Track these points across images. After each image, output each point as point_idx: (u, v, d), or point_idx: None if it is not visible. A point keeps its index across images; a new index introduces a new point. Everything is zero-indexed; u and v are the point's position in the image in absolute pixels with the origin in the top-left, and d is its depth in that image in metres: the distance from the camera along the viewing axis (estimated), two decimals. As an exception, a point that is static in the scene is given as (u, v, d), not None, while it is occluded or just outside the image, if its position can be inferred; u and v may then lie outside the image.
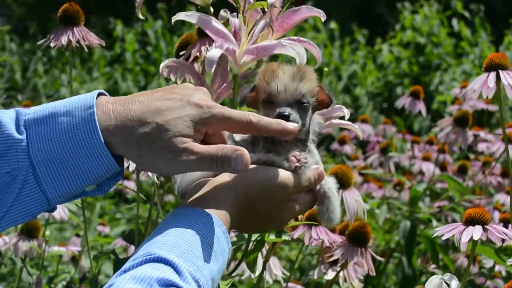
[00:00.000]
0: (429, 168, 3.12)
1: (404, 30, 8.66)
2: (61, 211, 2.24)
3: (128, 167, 1.35)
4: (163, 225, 0.93)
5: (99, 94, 0.98)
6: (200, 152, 0.94)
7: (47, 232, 1.88)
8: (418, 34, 8.39)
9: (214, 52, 1.21)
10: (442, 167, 3.33)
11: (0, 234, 1.98)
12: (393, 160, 3.33)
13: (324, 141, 6.29)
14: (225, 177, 1.01)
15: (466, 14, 8.73)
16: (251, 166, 1.01)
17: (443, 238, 1.20)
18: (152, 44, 8.91)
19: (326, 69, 1.39)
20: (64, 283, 2.29)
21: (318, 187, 1.07)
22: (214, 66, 1.22)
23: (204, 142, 0.98)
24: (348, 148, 3.88)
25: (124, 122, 0.94)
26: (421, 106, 2.88)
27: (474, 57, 8.17)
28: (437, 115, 6.95)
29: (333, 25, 9.36)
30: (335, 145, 3.95)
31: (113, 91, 8.16)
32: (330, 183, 1.09)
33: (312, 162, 1.06)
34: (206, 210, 0.94)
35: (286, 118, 1.03)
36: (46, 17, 10.40)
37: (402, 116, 3.05)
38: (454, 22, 8.70)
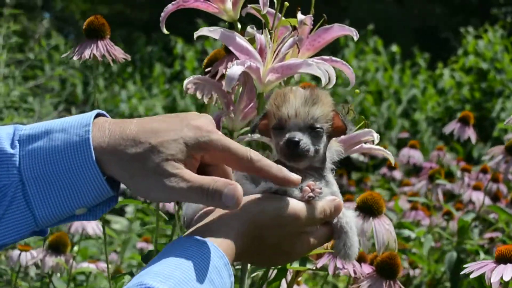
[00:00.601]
0: (478, 197, 3.00)
1: (467, 55, 8.51)
2: (95, 227, 2.22)
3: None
4: (161, 254, 0.87)
5: (99, 115, 0.94)
6: (191, 181, 0.89)
7: (75, 248, 1.86)
8: (481, 60, 8.22)
9: (235, 70, 1.16)
10: (495, 197, 3.21)
11: (29, 247, 1.97)
12: (446, 188, 3.22)
13: (381, 165, 6.18)
14: None
15: (532, 40, 8.52)
16: (261, 195, 0.95)
17: (471, 276, 1.12)
18: (211, 63, 8.93)
19: (357, 91, 1.33)
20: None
21: (335, 220, 1.00)
22: (234, 84, 1.16)
23: (204, 174, 0.93)
24: (397, 174, 3.79)
25: (118, 141, 0.90)
26: (470, 133, 2.77)
27: (538, 84, 7.96)
28: (497, 142, 6.76)
29: (394, 48, 9.25)
30: (383, 170, 3.86)
31: (171, 108, 8.21)
32: (348, 217, 1.02)
33: (328, 192, 1.00)
34: (208, 239, 0.88)
35: (296, 144, 0.97)
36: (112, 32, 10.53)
37: (462, 143, 2.94)
38: (519, 48, 8.51)
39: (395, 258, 1.41)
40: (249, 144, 1.28)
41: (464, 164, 3.74)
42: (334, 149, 1.05)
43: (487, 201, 2.90)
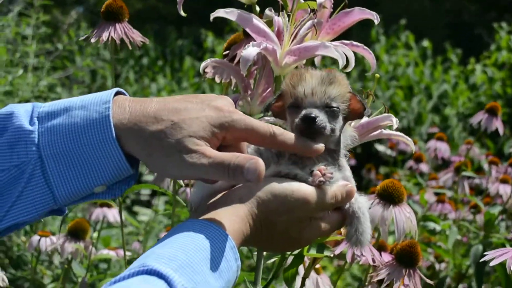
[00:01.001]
0: (506, 190, 2.95)
1: (500, 51, 8.39)
2: (116, 215, 2.22)
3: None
4: (166, 236, 0.85)
5: (118, 93, 0.94)
6: (212, 156, 0.88)
7: (94, 235, 1.85)
8: (513, 55, 8.11)
9: (250, 51, 1.14)
10: (525, 190, 3.16)
11: (48, 233, 1.97)
12: (474, 182, 3.18)
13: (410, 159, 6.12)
14: (240, 189, 0.93)
15: None
16: (271, 178, 0.94)
17: (491, 264, 1.09)
18: (241, 56, 8.91)
19: (377, 75, 1.30)
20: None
21: (347, 205, 0.98)
22: (249, 65, 1.15)
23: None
24: (424, 167, 3.74)
25: (138, 117, 0.90)
26: (497, 124, 2.71)
27: None
28: (530, 138, 6.67)
29: (426, 43, 9.16)
30: (410, 163, 3.81)
31: (201, 102, 8.19)
32: (361, 202, 1.00)
33: (340, 177, 0.98)
34: (215, 222, 0.87)
35: (313, 120, 0.95)
36: (145, 26, 10.57)
37: (493, 139, 2.90)
38: (553, 43, 8.38)
39: (415, 246, 1.38)
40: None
41: (492, 157, 3.68)
42: (348, 134, 1.03)
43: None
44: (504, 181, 3.00)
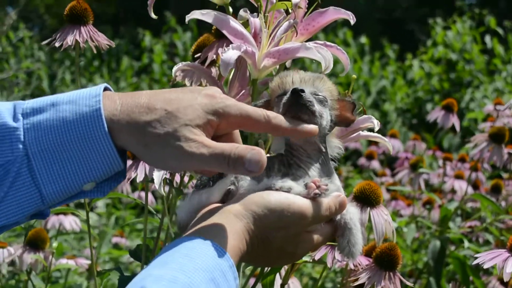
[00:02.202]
0: (461, 186, 2.98)
1: (436, 46, 8.53)
2: (72, 222, 2.15)
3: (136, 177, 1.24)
4: (160, 256, 0.80)
5: (106, 89, 0.89)
6: (212, 146, 0.84)
7: (54, 244, 1.78)
8: (450, 50, 8.25)
9: (230, 54, 1.10)
10: (475, 185, 3.20)
11: (5, 244, 1.89)
12: (423, 178, 3.20)
13: (352, 157, 6.16)
14: (235, 204, 0.89)
15: (500, 31, 8.57)
16: (265, 192, 0.90)
17: (485, 266, 1.08)
18: (180, 55, 8.85)
19: (354, 76, 1.28)
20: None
21: (338, 217, 0.96)
22: (230, 69, 1.11)
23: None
24: (376, 164, 3.75)
25: (130, 108, 0.85)
26: (454, 120, 2.74)
27: (506, 74, 8.01)
28: (467, 132, 6.80)
29: (363, 39, 9.25)
30: (362, 160, 3.82)
31: (140, 102, 8.10)
32: (352, 213, 0.97)
33: (334, 189, 0.95)
34: (212, 240, 0.82)
35: (301, 92, 0.93)
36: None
37: (432, 133, 2.91)
38: (487, 38, 8.56)
39: (394, 248, 1.37)
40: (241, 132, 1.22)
41: (441, 154, 3.72)
42: (334, 145, 1.00)
43: (469, 190, 2.88)
44: (458, 176, 3.03)
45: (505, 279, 1.05)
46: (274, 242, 0.89)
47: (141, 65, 9.30)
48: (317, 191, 0.91)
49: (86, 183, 0.86)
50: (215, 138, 0.89)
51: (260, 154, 0.84)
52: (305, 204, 0.90)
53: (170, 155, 0.84)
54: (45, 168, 0.84)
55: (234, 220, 0.86)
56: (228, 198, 0.94)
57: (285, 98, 0.95)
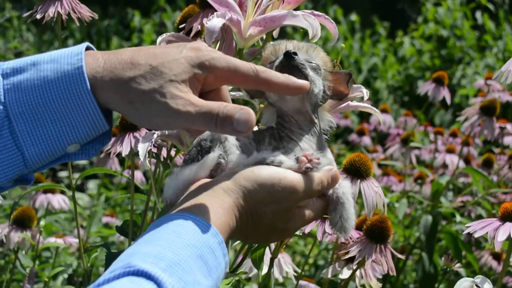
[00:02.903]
0: (453, 160, 2.96)
1: (427, 23, 8.49)
2: (60, 201, 2.13)
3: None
4: (147, 233, 0.78)
5: (88, 49, 0.86)
6: (199, 105, 0.81)
7: (42, 222, 1.76)
8: (440, 27, 8.21)
9: (215, 22, 1.08)
10: (466, 160, 3.18)
11: (-6, 223, 1.87)
12: (414, 153, 3.18)
13: (343, 134, 6.15)
14: (224, 178, 0.87)
15: (490, 6, 8.53)
16: (256, 167, 0.87)
17: (476, 235, 1.06)
18: (170, 35, 8.78)
19: (343, 45, 1.25)
20: (66, 275, 2.17)
21: (331, 191, 0.94)
22: (215, 39, 1.08)
23: None
24: (367, 140, 3.73)
25: (114, 64, 0.82)
26: (445, 93, 2.71)
27: (497, 50, 7.98)
28: (458, 109, 6.78)
29: (354, 17, 9.21)
30: (353, 136, 3.80)
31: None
32: (344, 187, 0.95)
33: (326, 163, 0.93)
34: (200, 216, 0.79)
35: (293, 54, 0.92)
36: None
37: (422, 109, 2.89)
38: (478, 14, 8.52)
39: (385, 221, 1.35)
40: (234, 102, 1.20)
41: (433, 129, 3.70)
42: (326, 120, 0.98)
43: (461, 164, 2.86)
44: (450, 151, 3.01)
45: (496, 248, 1.03)
46: (264, 218, 0.87)
47: (131, 45, 9.23)
48: (308, 165, 0.88)
49: (70, 144, 0.83)
50: (203, 94, 0.87)
51: (249, 113, 0.81)
52: (296, 178, 0.88)
53: (156, 112, 0.81)
54: (27, 130, 0.81)
55: (223, 196, 0.84)
56: (217, 172, 0.91)
57: (277, 61, 0.93)
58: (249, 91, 1.00)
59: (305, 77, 0.92)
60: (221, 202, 0.83)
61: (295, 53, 0.92)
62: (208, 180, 0.89)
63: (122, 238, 2.33)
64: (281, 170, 0.88)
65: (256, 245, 1.25)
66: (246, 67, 0.86)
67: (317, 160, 0.89)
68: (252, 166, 0.88)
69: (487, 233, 1.05)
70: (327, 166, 0.93)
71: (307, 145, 0.93)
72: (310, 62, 0.94)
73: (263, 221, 0.87)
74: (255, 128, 0.96)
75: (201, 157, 0.92)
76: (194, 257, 0.74)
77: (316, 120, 0.95)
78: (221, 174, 0.89)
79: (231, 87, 1.17)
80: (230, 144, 0.91)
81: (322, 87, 0.95)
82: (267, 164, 0.88)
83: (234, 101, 1.19)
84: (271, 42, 0.97)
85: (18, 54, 7.96)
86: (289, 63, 0.91)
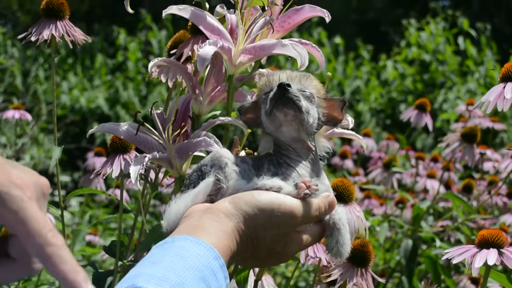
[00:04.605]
0: (433, 185, 3.00)
1: (409, 47, 8.58)
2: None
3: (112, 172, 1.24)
4: (150, 255, 0.80)
5: None
6: None
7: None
8: (423, 51, 8.30)
9: (207, 50, 1.11)
10: (447, 185, 3.22)
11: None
12: (396, 177, 3.22)
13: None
14: (225, 203, 0.90)
15: (472, 32, 8.63)
16: (256, 192, 0.91)
17: (454, 261, 1.09)
18: (155, 53, 8.81)
19: (329, 73, 1.29)
20: (48, 294, 2.17)
21: (327, 217, 0.97)
22: (207, 65, 1.11)
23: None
24: (349, 163, 3.76)
25: None
26: (427, 119, 2.76)
27: (479, 75, 8.07)
28: (440, 133, 6.84)
29: (338, 40, 9.28)
30: (336, 160, 3.83)
31: (114, 100, 8.06)
32: (341, 213, 0.98)
33: (323, 189, 0.96)
34: (202, 240, 0.82)
35: (287, 86, 0.94)
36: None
37: (405, 134, 2.93)
38: (460, 40, 8.61)
39: (367, 245, 1.38)
40: (222, 127, 1.23)
41: (414, 153, 3.74)
42: (322, 146, 1.01)
43: (441, 189, 2.90)
44: (430, 176, 3.05)
45: (474, 274, 1.06)
46: (263, 242, 0.90)
47: (115, 62, 9.25)
48: (307, 191, 0.91)
49: None
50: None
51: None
52: (295, 204, 0.91)
53: None
54: None
55: (225, 220, 0.87)
56: (217, 197, 0.94)
57: (271, 93, 0.95)
58: (246, 121, 1.03)
59: (299, 109, 0.95)
60: (222, 226, 0.86)
61: (289, 85, 0.94)
62: (209, 204, 0.91)
63: (106, 256, 2.34)
64: (280, 196, 0.91)
65: (240, 266, 1.27)
66: (38, 226, 0.66)
67: (315, 187, 0.92)
68: (253, 192, 0.91)
69: (465, 259, 1.09)
70: (324, 192, 0.96)
71: (304, 171, 0.96)
72: (304, 91, 0.97)
73: (263, 245, 0.90)
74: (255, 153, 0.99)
75: (201, 182, 0.95)
76: (196, 279, 0.76)
77: (313, 147, 0.98)
78: (221, 198, 0.92)
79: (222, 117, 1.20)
80: (230, 170, 0.94)
81: (317, 114, 0.98)
82: (267, 189, 0.91)
83: (223, 125, 1.22)
84: (265, 72, 1.00)
85: (3, 71, 7.96)
86: (283, 95, 0.94)
